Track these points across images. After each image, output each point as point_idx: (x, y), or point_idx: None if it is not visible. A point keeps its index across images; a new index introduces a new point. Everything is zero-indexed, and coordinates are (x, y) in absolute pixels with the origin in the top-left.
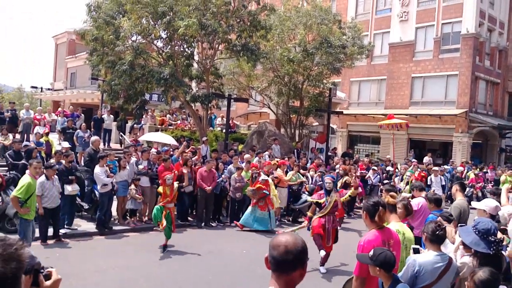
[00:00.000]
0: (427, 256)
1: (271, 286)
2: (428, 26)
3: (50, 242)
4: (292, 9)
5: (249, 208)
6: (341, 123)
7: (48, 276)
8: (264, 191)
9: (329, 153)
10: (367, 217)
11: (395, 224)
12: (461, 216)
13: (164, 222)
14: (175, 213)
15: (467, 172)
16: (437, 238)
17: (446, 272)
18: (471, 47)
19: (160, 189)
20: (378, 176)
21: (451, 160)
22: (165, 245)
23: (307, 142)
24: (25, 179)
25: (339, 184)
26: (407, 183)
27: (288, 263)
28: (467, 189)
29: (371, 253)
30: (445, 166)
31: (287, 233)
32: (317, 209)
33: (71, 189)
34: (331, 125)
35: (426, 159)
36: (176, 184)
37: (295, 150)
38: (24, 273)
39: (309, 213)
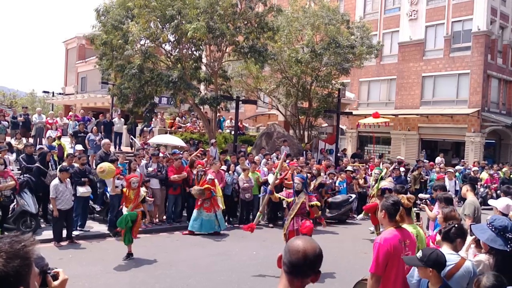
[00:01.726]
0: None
1: (282, 287)
2: (438, 24)
3: (63, 243)
4: (300, 10)
5: (195, 212)
6: (350, 124)
7: (55, 277)
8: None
9: (339, 154)
10: (386, 216)
11: (408, 226)
12: (475, 214)
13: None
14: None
15: (480, 172)
16: (450, 237)
17: (456, 272)
18: (482, 45)
19: (124, 189)
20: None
21: (462, 160)
22: (130, 252)
23: (316, 143)
24: None
25: (312, 185)
26: (376, 181)
27: (304, 269)
28: (482, 190)
29: (419, 254)
30: (458, 167)
31: (304, 238)
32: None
33: (83, 190)
34: (340, 126)
35: (438, 159)
36: (142, 191)
37: (304, 152)
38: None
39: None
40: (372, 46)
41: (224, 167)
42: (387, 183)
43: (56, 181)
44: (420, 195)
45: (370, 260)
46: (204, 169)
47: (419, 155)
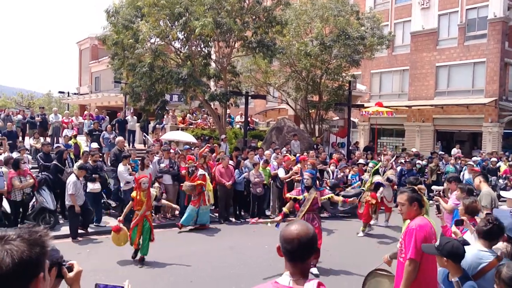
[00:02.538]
0: (470, 249)
1: (287, 271)
2: (452, 12)
3: (80, 238)
4: (308, 2)
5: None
6: (362, 117)
7: (70, 268)
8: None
9: (351, 148)
10: (417, 206)
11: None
12: (492, 205)
13: (140, 241)
14: (153, 219)
15: (497, 163)
16: (487, 234)
17: (489, 270)
18: (499, 32)
19: (133, 193)
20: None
21: (481, 151)
22: (142, 258)
23: (327, 137)
24: None
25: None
26: (370, 175)
27: (303, 253)
28: (501, 181)
29: (437, 243)
30: (475, 158)
31: (297, 223)
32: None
33: (92, 187)
34: (352, 118)
35: (454, 150)
36: (153, 191)
37: (315, 145)
38: (51, 266)
39: (284, 209)
40: (383, 37)
41: (231, 162)
42: (380, 177)
43: (73, 178)
44: (434, 187)
45: (383, 252)
46: (195, 165)
47: (434, 147)
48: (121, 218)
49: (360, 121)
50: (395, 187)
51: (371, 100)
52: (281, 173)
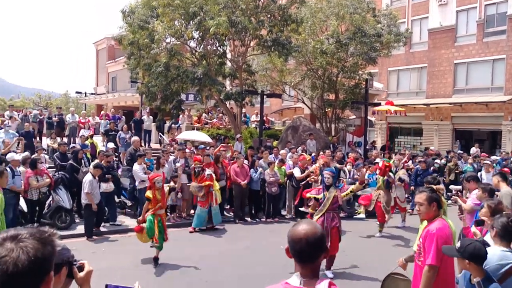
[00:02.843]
0: (492, 251)
1: (297, 272)
2: (470, 8)
3: (95, 237)
4: (323, 0)
5: (199, 208)
6: (379, 115)
7: (81, 268)
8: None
9: (368, 147)
10: (436, 207)
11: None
12: None
13: (157, 235)
14: (168, 219)
15: None
16: (508, 234)
17: None
18: None
19: (149, 193)
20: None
21: (501, 151)
22: (156, 257)
23: (343, 136)
24: None
25: (319, 179)
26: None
27: (312, 254)
28: None
29: (458, 244)
30: (494, 157)
31: (304, 222)
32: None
33: (105, 187)
34: (369, 117)
35: (473, 149)
36: (166, 187)
37: (331, 145)
38: (62, 265)
39: (310, 210)
40: (400, 34)
41: (246, 162)
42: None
43: (89, 176)
44: (452, 187)
45: (400, 253)
46: (201, 165)
47: (453, 146)
48: (140, 218)
49: (377, 120)
50: (412, 187)
51: (388, 98)
52: (296, 172)
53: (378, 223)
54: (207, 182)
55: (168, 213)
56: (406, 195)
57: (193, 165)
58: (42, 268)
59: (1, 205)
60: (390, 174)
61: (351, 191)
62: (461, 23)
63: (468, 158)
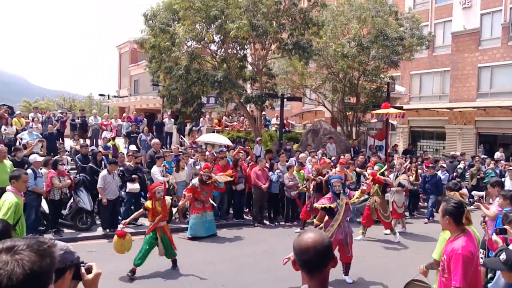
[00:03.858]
0: None
1: (305, 285)
2: (495, 11)
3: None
4: (345, 3)
5: (194, 216)
6: (401, 119)
7: (88, 270)
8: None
9: (389, 151)
10: (452, 222)
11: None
12: None
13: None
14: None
15: None
16: None
17: None
18: None
19: (148, 203)
20: (447, 174)
21: None
22: (174, 260)
23: (364, 139)
24: (10, 199)
25: (311, 186)
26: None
27: (320, 263)
28: None
29: (503, 257)
30: None
31: (309, 231)
32: (327, 216)
33: (131, 187)
34: (391, 121)
35: (498, 154)
36: (168, 199)
37: (352, 148)
38: (65, 269)
39: (316, 221)
40: (423, 37)
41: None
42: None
43: (104, 172)
44: (474, 193)
45: (419, 261)
46: (209, 173)
47: (477, 150)
48: (126, 221)
49: (399, 123)
50: (421, 195)
51: (410, 102)
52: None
53: (363, 225)
54: (230, 171)
55: (187, 216)
56: (403, 201)
57: (201, 172)
58: (39, 283)
59: (19, 209)
60: (389, 178)
61: (356, 198)
62: (486, 26)
63: (490, 163)
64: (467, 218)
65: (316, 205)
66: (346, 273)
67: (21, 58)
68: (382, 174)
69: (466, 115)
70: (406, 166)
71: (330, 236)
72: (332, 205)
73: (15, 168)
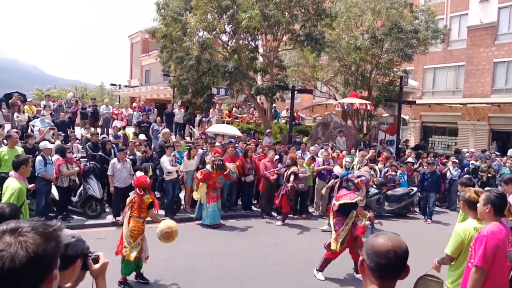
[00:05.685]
0: None
1: None
2: None
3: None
4: None
5: (212, 205)
6: (413, 114)
7: (96, 260)
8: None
9: (400, 146)
10: (492, 211)
11: (472, 222)
12: None
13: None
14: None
15: None
16: None
17: None
18: None
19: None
20: (459, 170)
21: None
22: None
23: (376, 134)
24: (13, 184)
25: (285, 176)
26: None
27: (397, 269)
28: None
29: None
30: None
31: (386, 235)
32: (336, 212)
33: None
34: (402, 115)
35: (511, 151)
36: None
37: (362, 143)
38: (76, 257)
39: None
40: (438, 31)
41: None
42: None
43: (114, 159)
44: (487, 189)
45: (431, 256)
46: (221, 158)
47: (489, 147)
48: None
49: (411, 118)
50: (419, 193)
51: (423, 96)
52: (336, 170)
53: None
54: (237, 162)
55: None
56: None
57: (212, 158)
58: (42, 266)
59: (22, 195)
60: (364, 173)
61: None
62: (503, 20)
63: (506, 161)
64: (509, 211)
65: (341, 201)
66: (357, 270)
67: (36, 48)
68: (353, 167)
69: (480, 111)
70: (368, 157)
71: (342, 240)
72: (357, 199)
73: (18, 154)
